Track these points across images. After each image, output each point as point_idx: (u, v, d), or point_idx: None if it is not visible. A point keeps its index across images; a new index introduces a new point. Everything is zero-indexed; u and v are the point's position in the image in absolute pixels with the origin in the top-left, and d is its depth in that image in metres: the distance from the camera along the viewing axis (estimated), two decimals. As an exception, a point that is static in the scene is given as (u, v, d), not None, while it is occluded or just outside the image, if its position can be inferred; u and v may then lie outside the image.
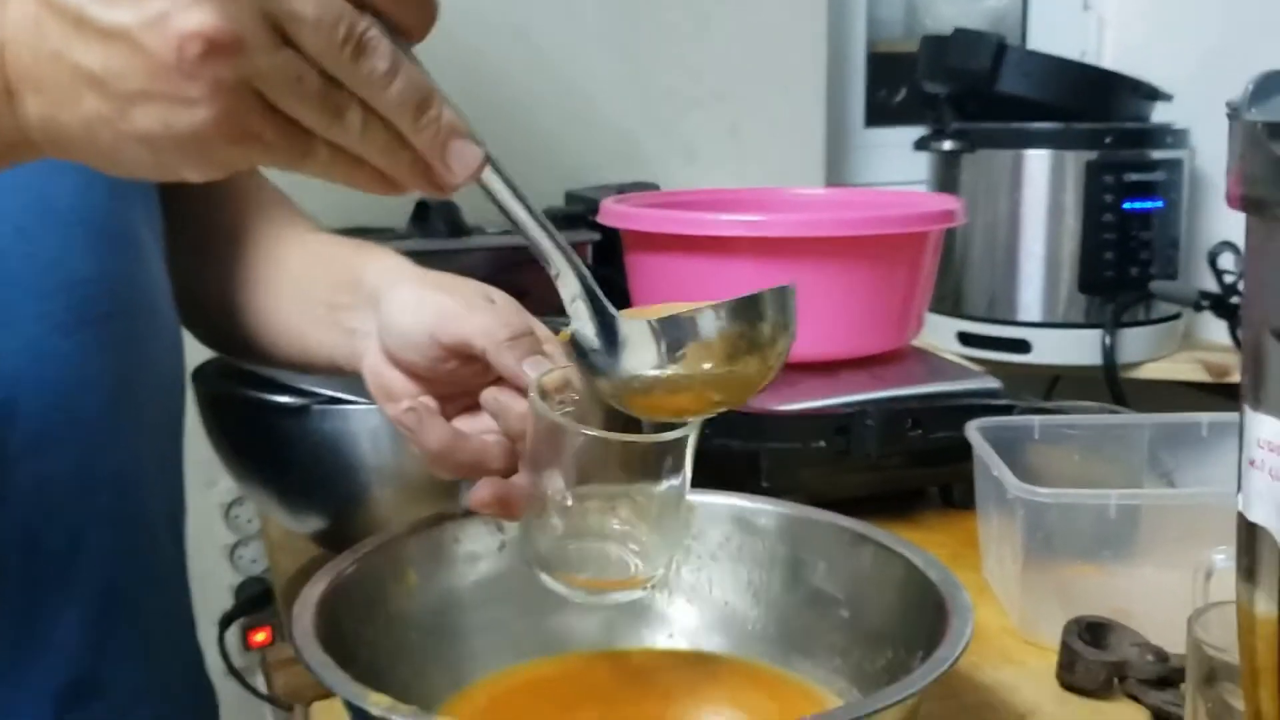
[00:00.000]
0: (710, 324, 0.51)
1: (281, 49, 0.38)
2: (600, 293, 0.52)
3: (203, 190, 0.66)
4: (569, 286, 0.51)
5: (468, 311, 0.57)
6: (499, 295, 0.59)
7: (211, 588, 1.28)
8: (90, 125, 0.39)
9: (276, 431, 0.75)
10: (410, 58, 0.42)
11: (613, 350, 0.51)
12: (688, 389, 0.51)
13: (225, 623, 1.25)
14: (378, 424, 0.73)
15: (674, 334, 0.51)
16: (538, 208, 0.49)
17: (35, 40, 0.38)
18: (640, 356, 0.51)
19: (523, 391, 0.55)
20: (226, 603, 1.27)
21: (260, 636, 1.27)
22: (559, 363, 0.56)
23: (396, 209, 1.20)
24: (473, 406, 0.59)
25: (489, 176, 0.46)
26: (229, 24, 0.36)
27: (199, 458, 1.23)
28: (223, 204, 0.73)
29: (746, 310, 0.52)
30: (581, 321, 0.51)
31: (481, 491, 0.55)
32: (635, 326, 0.51)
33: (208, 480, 1.26)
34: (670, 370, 0.51)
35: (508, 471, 0.56)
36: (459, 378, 0.58)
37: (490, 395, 0.57)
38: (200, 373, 0.82)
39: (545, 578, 0.55)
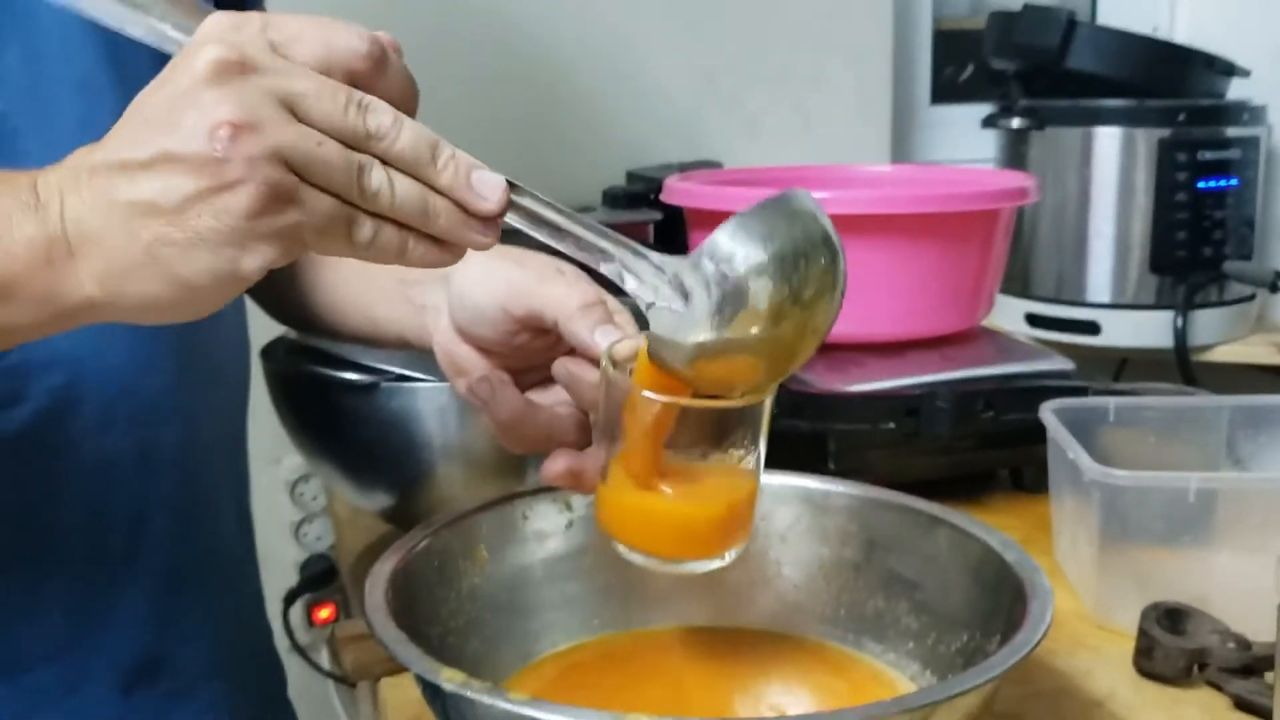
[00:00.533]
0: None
1: (295, 123, 0.42)
2: (664, 263, 0.50)
3: None
4: (640, 270, 0.50)
5: (539, 283, 0.57)
6: (568, 267, 0.58)
7: (276, 565, 1.29)
8: (154, 253, 0.42)
9: (345, 409, 0.75)
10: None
11: (689, 315, 0.49)
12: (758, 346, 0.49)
13: (290, 599, 1.27)
14: (445, 402, 0.74)
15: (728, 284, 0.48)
16: (576, 213, 0.49)
17: (91, 205, 0.43)
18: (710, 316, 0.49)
19: (594, 362, 0.55)
20: (291, 579, 1.29)
21: (324, 613, 1.29)
22: (629, 332, 0.55)
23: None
24: (543, 382, 0.59)
25: (518, 197, 0.47)
26: (246, 109, 0.41)
27: (265, 435, 1.25)
28: None
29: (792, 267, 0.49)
30: (662, 297, 0.50)
31: (555, 464, 0.55)
32: (692, 279, 0.49)
33: (273, 457, 1.27)
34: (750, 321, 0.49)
35: (580, 444, 0.56)
36: (530, 351, 0.58)
37: (562, 366, 0.57)
38: (269, 350, 0.83)
39: (621, 547, 0.54)
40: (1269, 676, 0.61)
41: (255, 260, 0.43)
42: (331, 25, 0.44)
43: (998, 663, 0.46)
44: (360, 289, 0.69)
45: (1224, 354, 1.35)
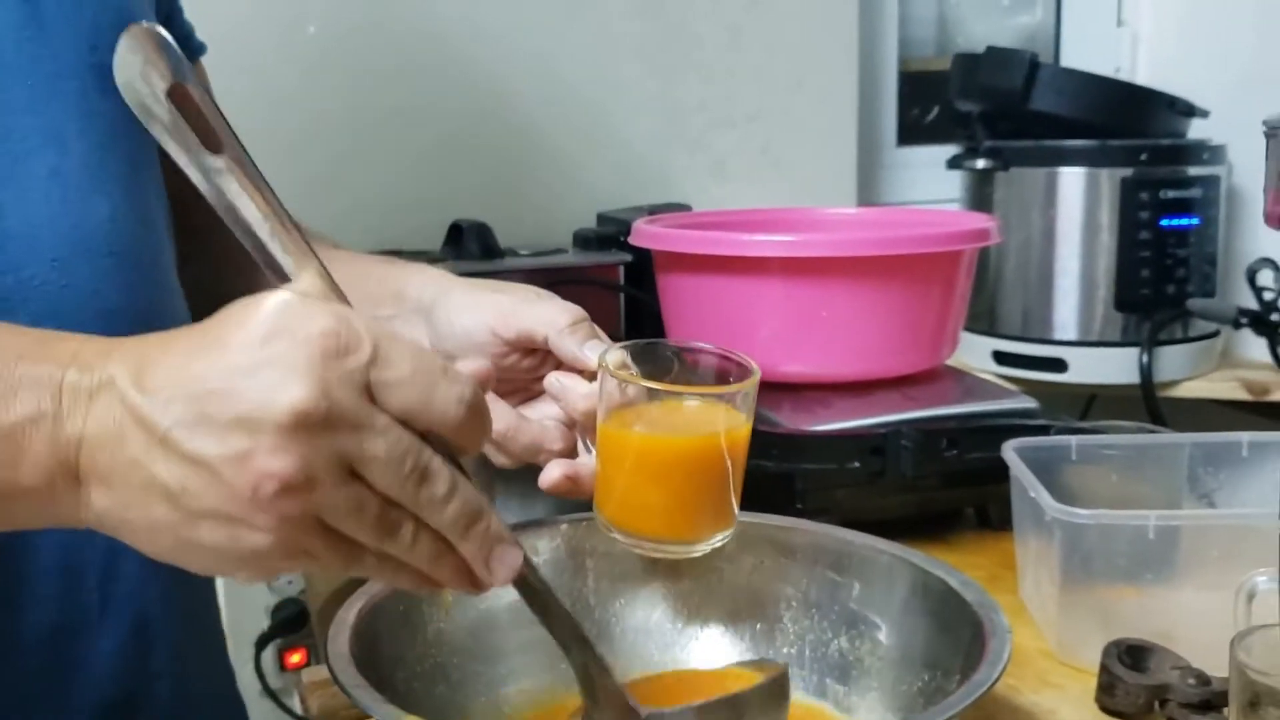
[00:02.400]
0: None
1: (349, 484, 0.40)
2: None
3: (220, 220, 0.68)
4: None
5: (525, 305, 0.60)
6: (545, 292, 0.62)
7: (248, 609, 1.28)
8: (155, 528, 0.41)
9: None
10: (463, 471, 0.44)
11: None
12: None
13: (262, 644, 1.26)
14: (413, 446, 0.74)
15: None
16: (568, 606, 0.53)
17: (115, 444, 0.41)
18: None
19: (583, 373, 0.59)
20: (263, 624, 1.28)
21: (296, 658, 1.28)
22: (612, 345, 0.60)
23: (430, 231, 1.21)
24: (525, 401, 0.63)
25: (528, 580, 0.49)
26: (305, 467, 0.39)
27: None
28: None
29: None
30: None
31: (552, 472, 0.58)
32: None
33: (244, 501, 1.27)
34: None
35: (567, 453, 0.60)
36: (516, 373, 0.62)
37: (553, 378, 0.60)
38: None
39: (617, 535, 0.59)
40: (1226, 712, 0.62)
41: (249, 577, 0.43)
42: (443, 375, 0.42)
43: (955, 702, 0.47)
44: None
45: (1190, 389, 1.37)
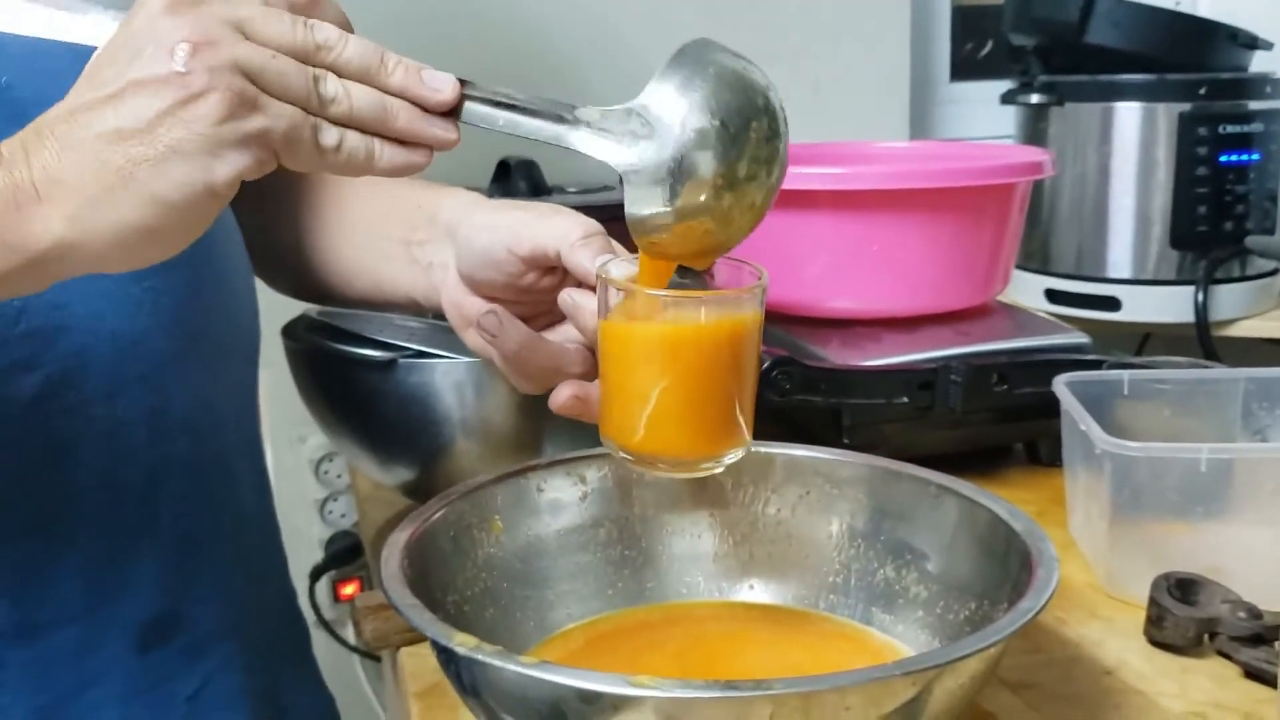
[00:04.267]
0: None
1: (246, 41, 0.45)
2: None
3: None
4: (610, 127, 0.51)
5: (540, 220, 0.59)
6: (563, 209, 0.61)
7: (302, 541, 1.31)
8: (126, 174, 0.44)
9: (365, 385, 0.76)
10: None
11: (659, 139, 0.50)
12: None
13: (315, 575, 1.29)
14: (463, 377, 0.75)
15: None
16: (529, 94, 0.51)
17: (58, 147, 0.45)
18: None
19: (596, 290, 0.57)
20: (317, 556, 1.31)
21: (350, 589, 1.31)
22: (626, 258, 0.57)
23: (478, 169, 1.21)
24: (549, 326, 0.62)
25: (471, 90, 0.49)
26: (202, 29, 0.44)
27: (289, 415, 1.27)
28: None
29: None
30: (638, 152, 0.51)
31: (562, 392, 0.57)
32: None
33: (298, 436, 1.29)
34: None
35: (586, 376, 0.58)
36: (537, 293, 0.60)
37: (567, 295, 0.59)
38: (290, 329, 0.84)
39: (623, 455, 0.56)
40: (1279, 645, 0.62)
41: (228, 168, 0.45)
42: None
43: (1001, 628, 0.47)
44: (366, 252, 0.70)
45: (1246, 329, 1.34)
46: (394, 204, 0.70)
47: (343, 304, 0.75)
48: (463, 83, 0.49)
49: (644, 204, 0.51)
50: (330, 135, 0.47)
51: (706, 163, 0.50)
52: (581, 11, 1.37)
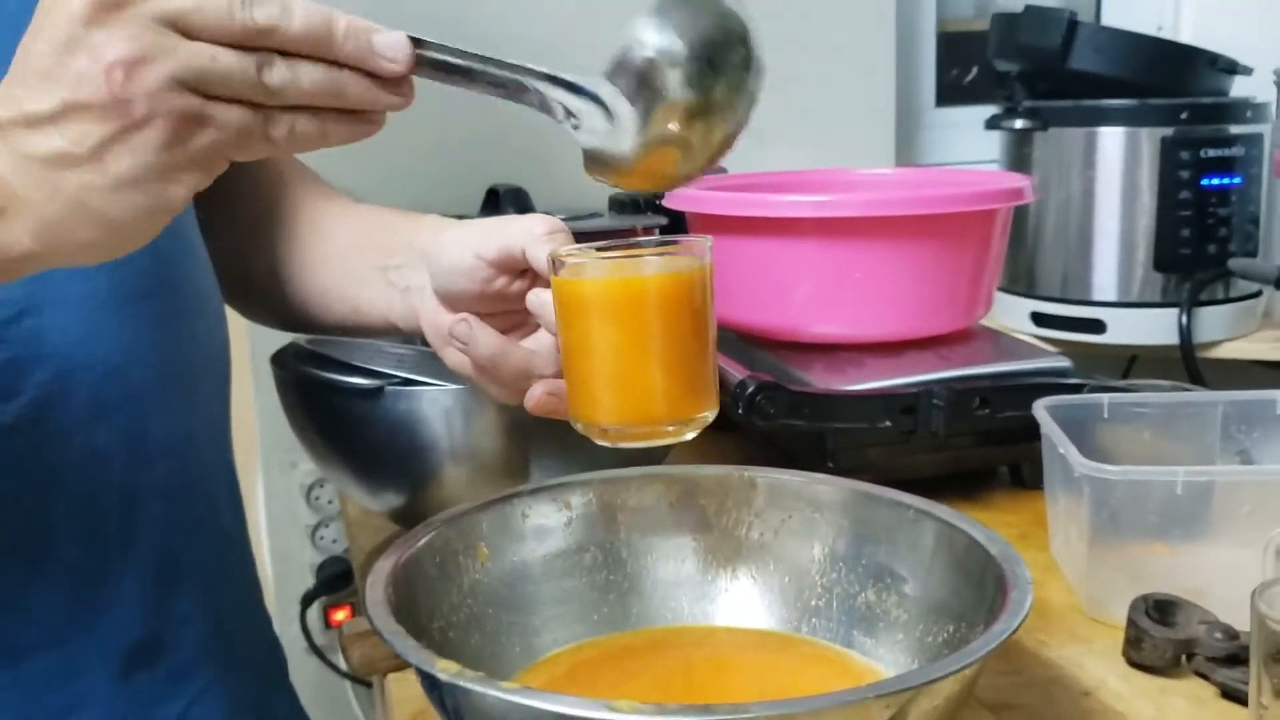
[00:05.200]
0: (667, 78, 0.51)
1: (185, 42, 0.42)
2: (580, 82, 0.52)
3: (242, 174, 0.70)
4: (557, 95, 0.51)
5: (505, 223, 0.60)
6: (531, 215, 0.62)
7: (294, 567, 1.32)
8: (80, 202, 0.43)
9: (353, 413, 0.77)
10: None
11: (616, 127, 0.51)
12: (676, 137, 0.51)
13: (307, 601, 1.29)
14: (450, 404, 0.75)
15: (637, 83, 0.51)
16: (486, 54, 0.50)
17: (8, 159, 0.43)
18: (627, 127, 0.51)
19: None
20: (309, 582, 1.31)
21: (341, 615, 1.31)
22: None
23: (468, 196, 1.22)
24: (527, 335, 0.62)
25: (424, 51, 0.48)
26: (132, 42, 0.41)
27: (279, 440, 1.28)
28: (263, 187, 0.76)
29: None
30: (585, 117, 0.51)
31: (535, 391, 0.58)
32: (609, 92, 0.51)
33: (290, 462, 1.30)
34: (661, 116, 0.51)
35: (558, 378, 0.58)
36: (509, 299, 0.61)
37: (532, 295, 0.60)
38: (279, 357, 0.85)
39: (593, 429, 0.56)
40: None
41: (181, 189, 0.44)
42: None
43: (974, 650, 0.48)
44: (343, 278, 0.71)
45: (1230, 350, 1.36)
46: (371, 230, 0.71)
47: (320, 331, 0.76)
48: (415, 42, 0.47)
49: (599, 138, 0.51)
50: (280, 127, 0.45)
51: (670, 83, 0.50)
52: (566, 52, 1.38)
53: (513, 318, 0.62)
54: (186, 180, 0.44)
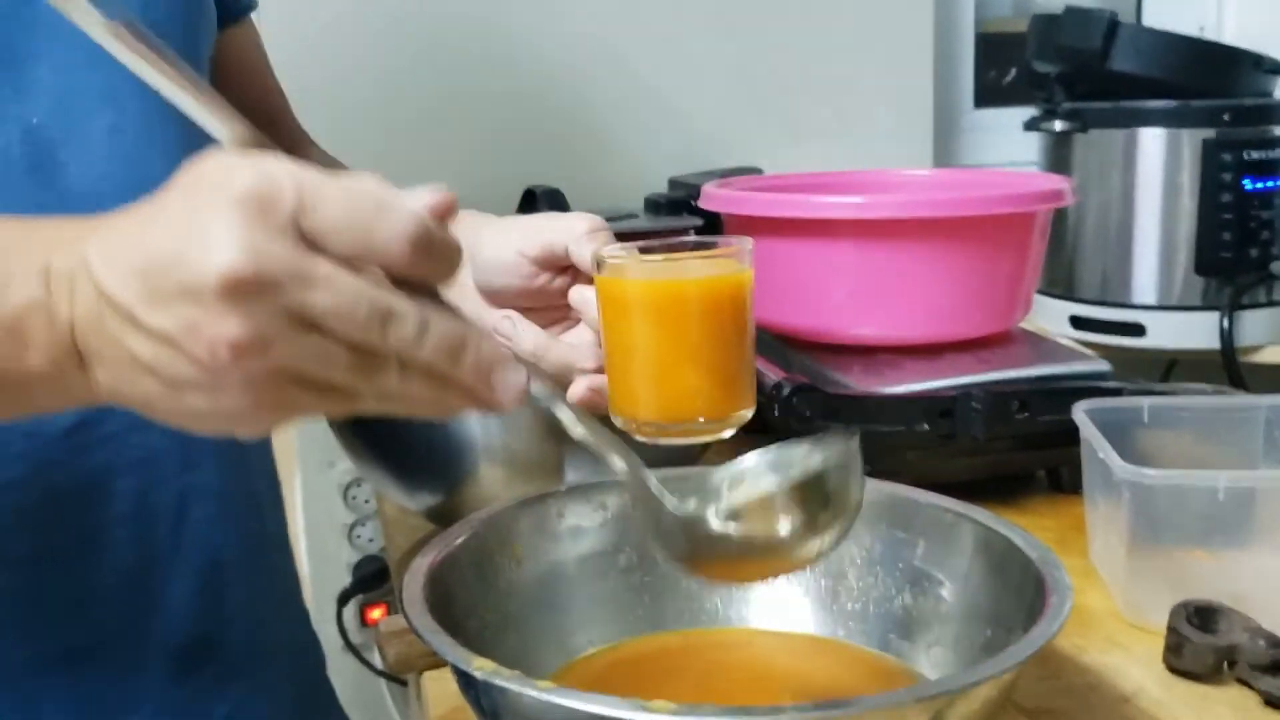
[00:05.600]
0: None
1: (306, 335, 0.39)
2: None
3: None
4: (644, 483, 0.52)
5: (548, 221, 0.61)
6: (575, 213, 0.63)
7: (330, 565, 1.33)
8: (149, 400, 0.42)
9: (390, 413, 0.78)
10: (440, 305, 0.43)
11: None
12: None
13: (343, 600, 1.30)
14: (486, 405, 0.76)
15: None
16: (593, 424, 0.50)
17: (98, 324, 0.41)
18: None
19: None
20: (345, 580, 1.32)
21: (377, 613, 1.32)
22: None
23: (506, 196, 1.22)
24: (569, 328, 0.63)
25: (535, 393, 0.47)
26: (253, 328, 0.38)
27: (318, 441, 1.28)
28: None
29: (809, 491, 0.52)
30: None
31: (577, 386, 0.59)
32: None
33: (328, 461, 1.31)
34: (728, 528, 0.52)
35: (600, 372, 0.59)
36: (550, 295, 0.62)
37: (576, 291, 0.60)
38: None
39: (632, 426, 0.58)
40: (1298, 673, 0.62)
41: (251, 431, 0.42)
42: (378, 213, 0.39)
43: (1013, 654, 0.47)
44: None
45: (1272, 354, 1.34)
46: None
47: None
48: (529, 381, 0.45)
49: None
50: (367, 406, 0.43)
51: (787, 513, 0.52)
52: (603, 57, 1.39)
53: (553, 313, 0.63)
54: (250, 431, 0.42)
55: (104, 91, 0.62)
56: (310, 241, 0.39)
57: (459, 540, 0.60)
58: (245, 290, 0.38)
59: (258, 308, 0.38)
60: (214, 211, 0.38)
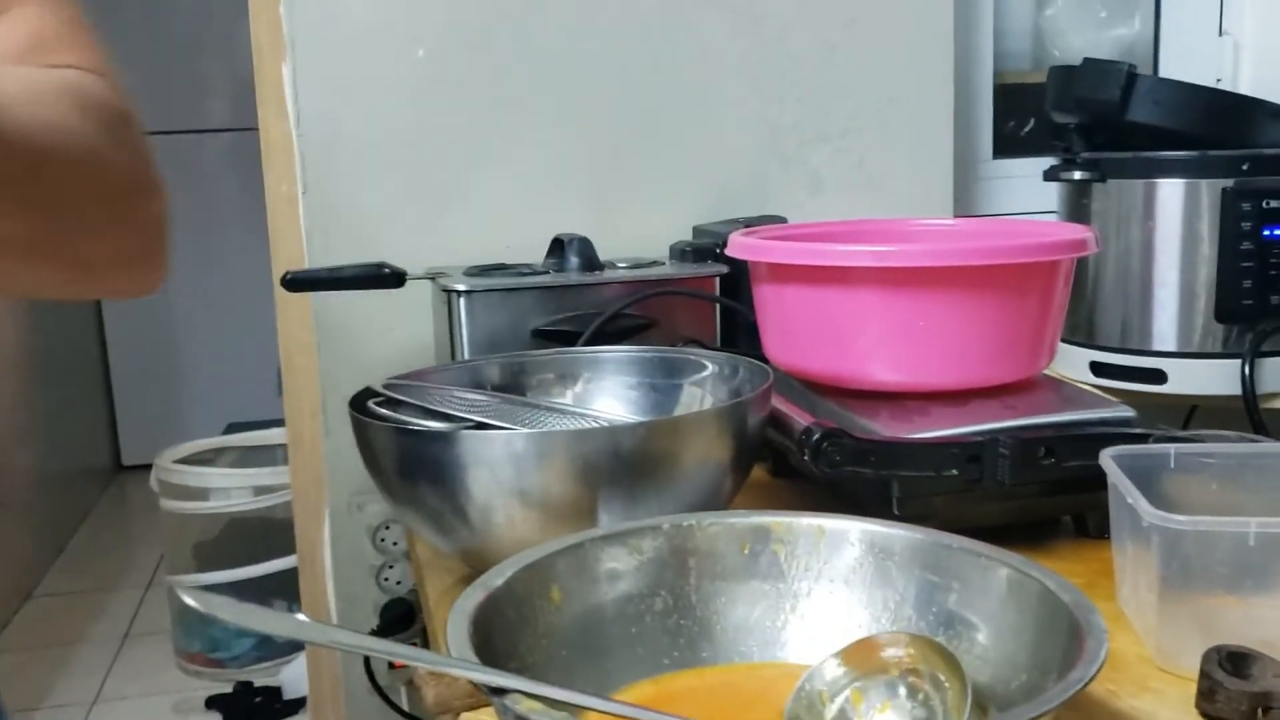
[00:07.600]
0: None
1: None
2: None
3: None
4: None
5: None
6: None
7: (359, 607, 1.33)
8: None
9: (427, 456, 0.79)
10: None
11: None
12: None
13: (370, 642, 1.30)
14: (521, 448, 0.77)
15: None
16: None
17: None
18: None
19: None
20: (372, 622, 1.33)
21: (402, 657, 1.32)
22: None
23: (535, 244, 1.24)
24: None
25: None
26: None
27: (348, 483, 1.30)
28: None
29: None
30: None
31: None
32: None
33: (357, 504, 1.32)
34: None
35: None
36: None
37: None
38: (356, 400, 0.87)
39: None
40: (1330, 719, 0.62)
41: None
42: None
43: (1050, 698, 0.48)
44: None
45: (1294, 402, 1.35)
46: None
47: None
48: None
49: None
50: None
51: None
52: (631, 108, 1.41)
53: None
54: None
55: None
56: None
57: (499, 583, 0.61)
58: None
59: None
60: None
